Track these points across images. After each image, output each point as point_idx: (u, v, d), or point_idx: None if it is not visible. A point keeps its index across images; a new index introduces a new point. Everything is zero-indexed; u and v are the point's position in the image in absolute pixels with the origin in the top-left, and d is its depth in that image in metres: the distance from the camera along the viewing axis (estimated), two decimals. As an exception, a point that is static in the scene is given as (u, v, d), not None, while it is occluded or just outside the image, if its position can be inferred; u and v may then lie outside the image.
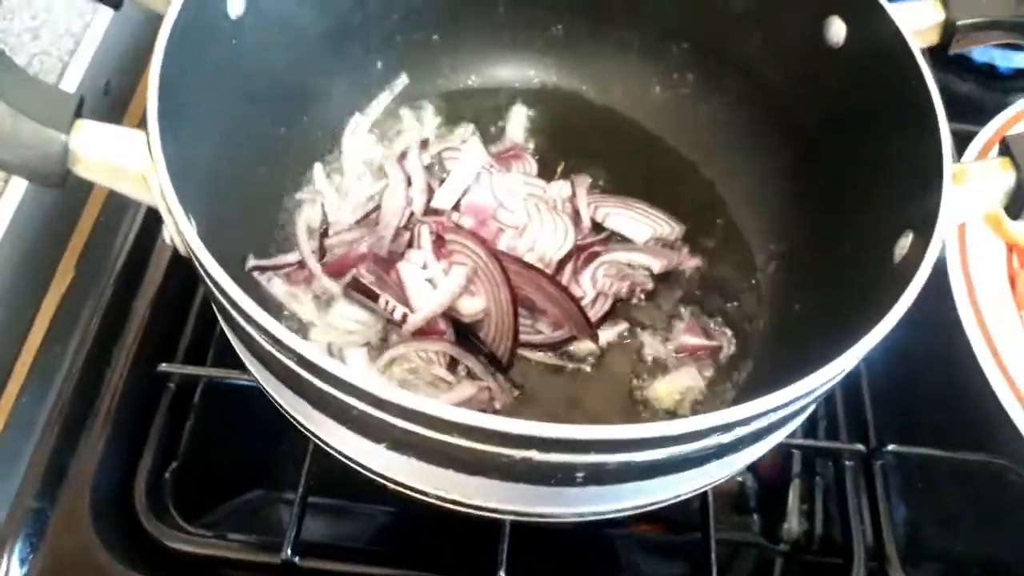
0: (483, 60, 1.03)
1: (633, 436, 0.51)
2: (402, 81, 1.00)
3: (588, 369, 0.85)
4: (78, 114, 0.61)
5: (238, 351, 0.69)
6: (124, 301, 0.87)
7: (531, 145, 1.00)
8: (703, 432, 0.52)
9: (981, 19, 0.75)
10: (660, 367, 0.85)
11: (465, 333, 0.83)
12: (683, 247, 0.94)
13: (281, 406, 0.67)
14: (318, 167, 0.94)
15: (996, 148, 0.70)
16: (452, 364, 0.82)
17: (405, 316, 0.81)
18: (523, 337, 0.84)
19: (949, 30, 0.76)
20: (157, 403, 0.83)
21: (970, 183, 0.68)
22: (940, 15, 0.76)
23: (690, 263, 0.93)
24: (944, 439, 0.87)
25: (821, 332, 0.76)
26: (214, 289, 0.59)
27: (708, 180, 0.98)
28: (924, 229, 0.67)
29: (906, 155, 0.73)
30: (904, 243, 0.69)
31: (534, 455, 0.52)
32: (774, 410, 0.56)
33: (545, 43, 1.02)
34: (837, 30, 0.82)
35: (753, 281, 0.91)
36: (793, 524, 0.90)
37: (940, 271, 0.87)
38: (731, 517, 0.89)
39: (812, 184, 0.87)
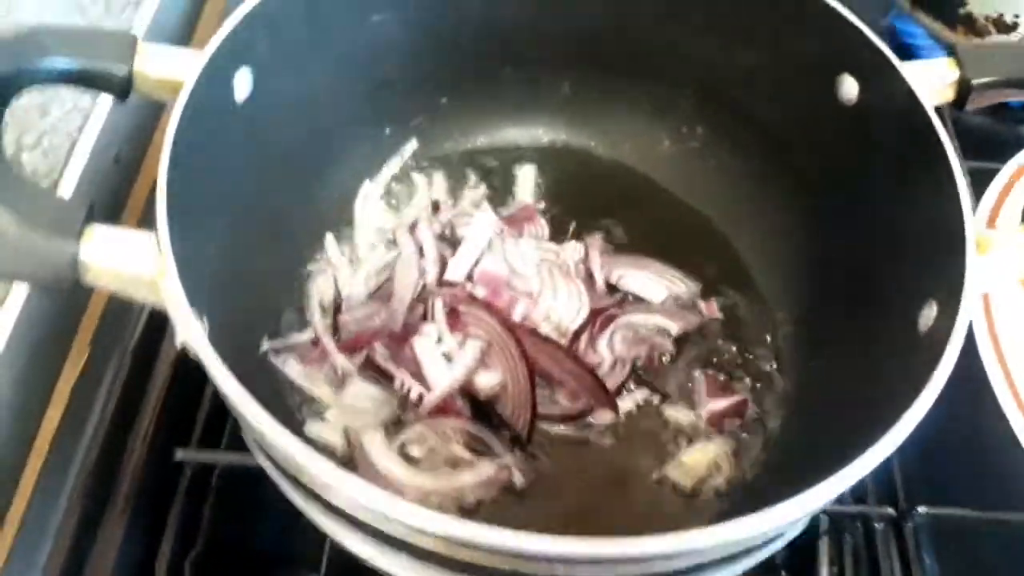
0: (491, 120, 1.02)
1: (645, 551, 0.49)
2: (411, 145, 1.00)
3: (609, 442, 0.83)
4: (87, 221, 0.60)
5: (250, 448, 0.68)
6: (139, 383, 0.86)
7: (541, 205, 0.99)
8: (732, 543, 0.51)
9: (997, 77, 0.74)
10: (684, 436, 0.84)
11: (482, 408, 0.82)
12: (701, 305, 0.92)
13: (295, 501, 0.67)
14: (330, 237, 0.93)
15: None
16: (470, 439, 0.80)
17: (421, 396, 0.80)
18: (541, 410, 0.82)
19: (964, 88, 0.75)
20: (174, 489, 0.82)
21: (994, 253, 0.66)
22: (955, 73, 0.75)
23: (708, 322, 0.91)
24: (976, 498, 0.85)
25: (847, 403, 0.75)
26: (226, 398, 0.58)
27: (723, 235, 0.97)
28: (949, 301, 0.65)
29: (924, 220, 0.72)
30: (928, 314, 0.68)
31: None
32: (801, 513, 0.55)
33: (552, 101, 1.01)
34: (849, 88, 0.80)
35: (771, 340, 0.90)
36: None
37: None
38: (757, 581, 0.87)
39: (827, 243, 0.85)
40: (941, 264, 0.68)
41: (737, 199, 0.96)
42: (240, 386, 0.56)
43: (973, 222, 0.67)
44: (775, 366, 0.88)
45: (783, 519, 0.55)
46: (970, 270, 0.65)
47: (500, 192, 1.00)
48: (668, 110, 0.99)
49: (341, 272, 0.91)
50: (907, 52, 1.23)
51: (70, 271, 0.59)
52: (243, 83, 0.76)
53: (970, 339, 0.87)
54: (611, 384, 0.85)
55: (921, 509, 0.84)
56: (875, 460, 0.57)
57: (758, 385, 0.88)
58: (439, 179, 1.00)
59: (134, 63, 0.69)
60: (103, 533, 0.79)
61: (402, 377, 0.80)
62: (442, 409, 0.80)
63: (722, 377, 0.88)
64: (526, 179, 1.00)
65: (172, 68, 0.70)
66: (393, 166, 0.98)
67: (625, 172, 1.02)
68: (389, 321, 0.84)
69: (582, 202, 0.99)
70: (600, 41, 0.95)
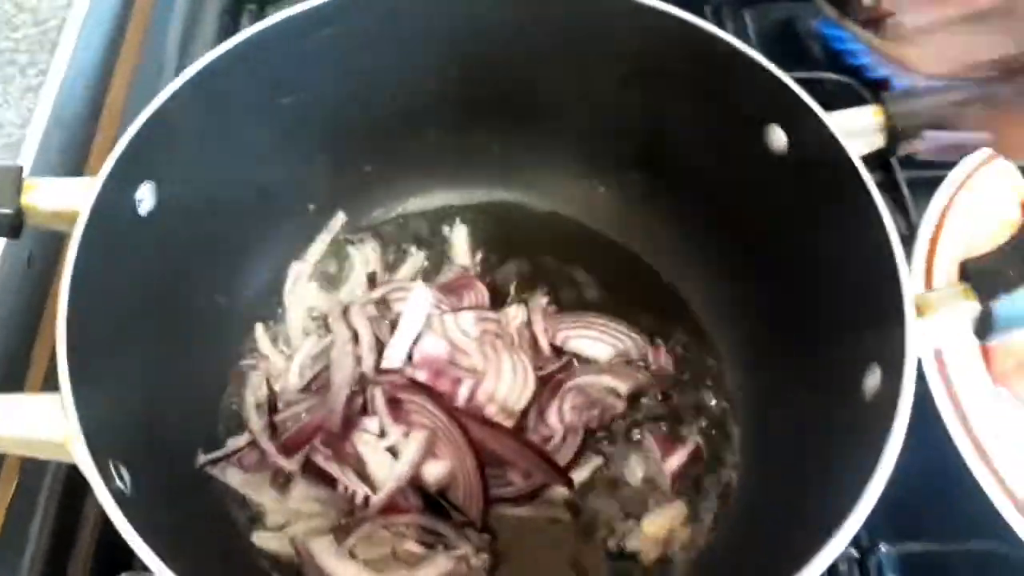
0: (420, 185, 0.99)
1: None
2: (339, 219, 0.96)
3: (567, 517, 0.81)
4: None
5: None
6: (74, 506, 0.83)
7: (478, 268, 0.96)
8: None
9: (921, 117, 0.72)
10: (642, 502, 0.82)
11: (433, 499, 0.79)
12: (650, 356, 0.90)
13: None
14: (260, 329, 0.90)
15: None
16: (424, 533, 0.78)
17: (367, 499, 0.77)
18: (494, 491, 0.80)
19: (892, 133, 0.73)
20: (123, 617, 0.79)
21: (933, 315, 0.65)
22: (880, 118, 0.73)
23: (658, 375, 0.89)
24: (937, 531, 0.85)
25: (803, 461, 0.74)
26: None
27: (667, 284, 0.95)
28: (892, 367, 0.64)
29: (861, 278, 0.71)
30: (873, 379, 0.66)
31: None
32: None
33: (481, 161, 0.98)
34: (778, 138, 0.79)
35: (723, 389, 0.88)
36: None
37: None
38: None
39: (771, 295, 0.83)
40: (881, 328, 0.66)
41: (680, 247, 0.94)
42: (155, 558, 0.53)
43: (911, 283, 0.65)
44: (729, 414, 0.87)
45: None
46: (910, 335, 0.64)
47: (435, 256, 0.97)
48: (600, 158, 0.96)
49: (274, 365, 0.87)
50: (839, 58, 1.21)
51: (-31, 446, 0.56)
52: (147, 197, 0.72)
53: (922, 376, 0.86)
54: (565, 456, 0.83)
55: (883, 547, 0.84)
56: (833, 553, 0.56)
57: (713, 432, 0.87)
58: (371, 251, 0.96)
59: (23, 200, 0.65)
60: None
61: (345, 480, 0.77)
62: (392, 507, 0.78)
63: (672, 430, 0.86)
64: (460, 240, 0.97)
65: (65, 199, 0.66)
66: (321, 244, 0.95)
67: (563, 223, 0.99)
68: (327, 420, 0.80)
69: (521, 260, 0.96)
70: (524, 97, 0.92)
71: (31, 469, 0.85)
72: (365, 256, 0.95)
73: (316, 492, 0.79)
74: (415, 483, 0.79)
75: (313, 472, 0.79)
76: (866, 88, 1.16)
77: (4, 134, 1.03)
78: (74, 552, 0.81)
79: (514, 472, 0.81)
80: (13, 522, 0.83)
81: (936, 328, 0.65)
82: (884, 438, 0.60)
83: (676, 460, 0.84)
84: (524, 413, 0.84)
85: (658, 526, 0.81)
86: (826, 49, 1.23)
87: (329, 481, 0.79)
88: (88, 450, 0.56)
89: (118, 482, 0.59)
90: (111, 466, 0.58)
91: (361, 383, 0.84)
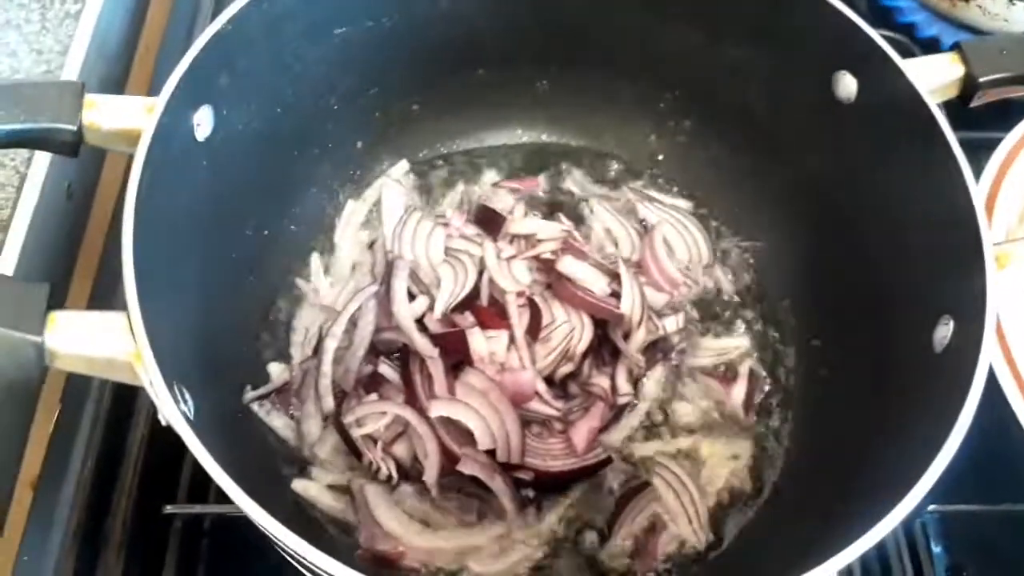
0: (468, 124, 0.97)
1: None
2: (387, 157, 0.94)
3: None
4: (51, 306, 0.56)
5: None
6: (118, 438, 0.82)
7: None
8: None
9: (1004, 74, 0.70)
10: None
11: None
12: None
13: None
14: (315, 258, 0.89)
15: None
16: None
17: (390, 476, 0.76)
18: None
19: (970, 86, 0.71)
20: (165, 546, 0.78)
21: (1013, 267, 0.64)
22: (959, 70, 0.71)
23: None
24: (983, 492, 0.84)
25: (862, 431, 0.72)
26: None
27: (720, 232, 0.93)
28: (968, 319, 0.63)
29: (934, 227, 0.69)
30: (944, 331, 0.65)
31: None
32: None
33: (531, 100, 0.96)
34: (847, 85, 0.77)
35: (780, 346, 0.87)
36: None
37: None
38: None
39: (830, 248, 0.82)
40: (956, 278, 0.65)
41: (731, 195, 0.92)
42: (232, 482, 0.52)
43: (990, 234, 0.64)
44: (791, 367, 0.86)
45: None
46: (991, 287, 0.62)
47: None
48: (651, 105, 0.94)
49: (324, 296, 0.86)
50: (888, 16, 1.19)
51: (37, 362, 0.55)
52: (204, 121, 0.70)
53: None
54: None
55: (931, 507, 0.83)
56: (905, 511, 0.55)
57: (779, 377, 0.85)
58: (411, 189, 0.94)
59: (83, 118, 0.63)
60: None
61: (369, 455, 0.76)
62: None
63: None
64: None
65: (126, 118, 0.64)
66: (371, 185, 0.93)
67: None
68: (343, 376, 0.79)
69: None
70: (576, 37, 0.90)
71: (72, 402, 0.84)
72: (411, 193, 0.94)
73: (343, 458, 0.78)
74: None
75: (341, 435, 0.77)
76: (917, 46, 1.14)
77: (43, 60, 1.00)
78: (117, 486, 0.80)
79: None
80: (55, 456, 0.82)
81: (1012, 281, 0.64)
82: (962, 390, 0.58)
83: (739, 390, 0.84)
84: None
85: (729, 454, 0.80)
86: (874, 6, 1.21)
87: (355, 450, 0.77)
88: (157, 368, 0.54)
89: (183, 405, 0.57)
90: (175, 388, 0.57)
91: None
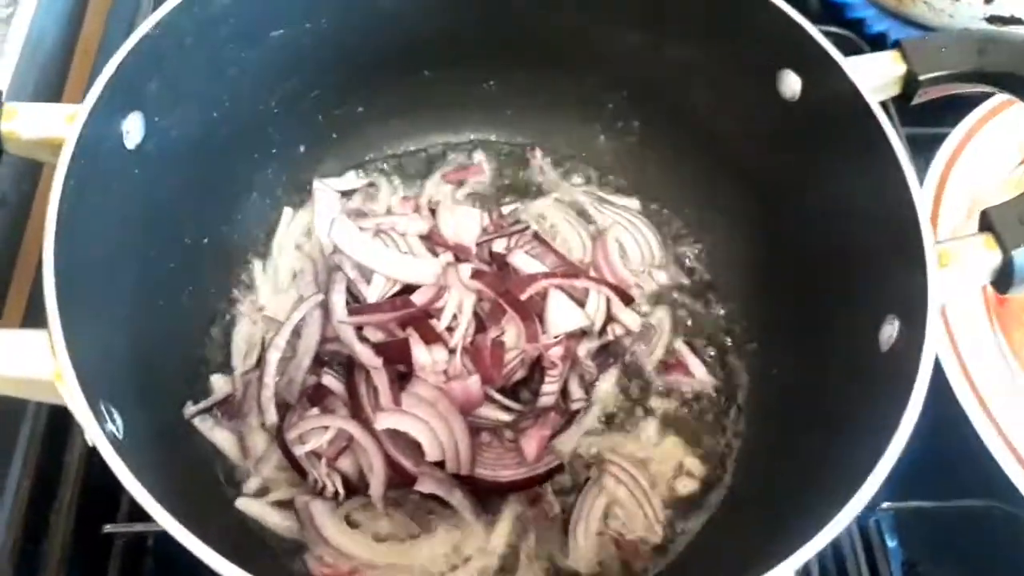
0: (414, 126, 0.95)
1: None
2: (332, 161, 0.92)
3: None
4: (-35, 325, 0.53)
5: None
6: (55, 456, 0.79)
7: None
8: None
9: (943, 72, 0.70)
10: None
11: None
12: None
13: None
14: (257, 265, 0.87)
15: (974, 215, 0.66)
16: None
17: (336, 493, 0.74)
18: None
19: (911, 84, 0.71)
20: (106, 566, 0.76)
21: (955, 264, 0.63)
22: (901, 68, 0.71)
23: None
24: (933, 489, 0.85)
25: (812, 419, 0.72)
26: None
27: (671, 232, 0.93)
28: (911, 318, 0.62)
29: (877, 226, 0.69)
30: (889, 331, 0.65)
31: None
32: None
33: (478, 101, 0.95)
34: (791, 83, 0.76)
35: (734, 343, 0.87)
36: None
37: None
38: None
39: (778, 245, 0.82)
40: (900, 278, 0.65)
41: (680, 195, 0.92)
42: (157, 505, 0.50)
43: (931, 233, 0.64)
44: (739, 368, 0.85)
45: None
46: (932, 286, 0.62)
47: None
48: (600, 104, 0.93)
49: (267, 306, 0.84)
50: (838, 12, 1.19)
51: (-49, 384, 0.52)
52: (134, 128, 0.68)
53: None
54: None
55: (884, 505, 0.83)
56: (855, 509, 0.55)
57: (722, 376, 0.85)
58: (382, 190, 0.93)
59: (1, 125, 0.60)
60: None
61: (314, 473, 0.74)
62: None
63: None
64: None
65: (47, 127, 0.62)
66: (316, 188, 0.90)
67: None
68: (287, 387, 0.77)
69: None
70: (522, 37, 0.88)
71: (7, 421, 0.81)
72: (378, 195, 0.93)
73: (289, 474, 0.76)
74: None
75: (284, 453, 0.75)
76: (865, 42, 1.15)
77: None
78: (55, 505, 0.78)
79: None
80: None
81: (954, 279, 0.64)
82: (907, 389, 0.58)
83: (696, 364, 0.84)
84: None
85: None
86: (824, 2, 1.21)
87: (298, 468, 0.75)
88: (80, 388, 0.52)
89: (109, 424, 0.55)
90: (102, 406, 0.55)
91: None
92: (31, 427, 0.79)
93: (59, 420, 0.80)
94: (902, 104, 0.73)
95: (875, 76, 0.71)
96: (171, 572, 0.79)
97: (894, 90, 0.72)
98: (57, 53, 1.03)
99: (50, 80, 1.01)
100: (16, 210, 0.94)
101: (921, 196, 0.65)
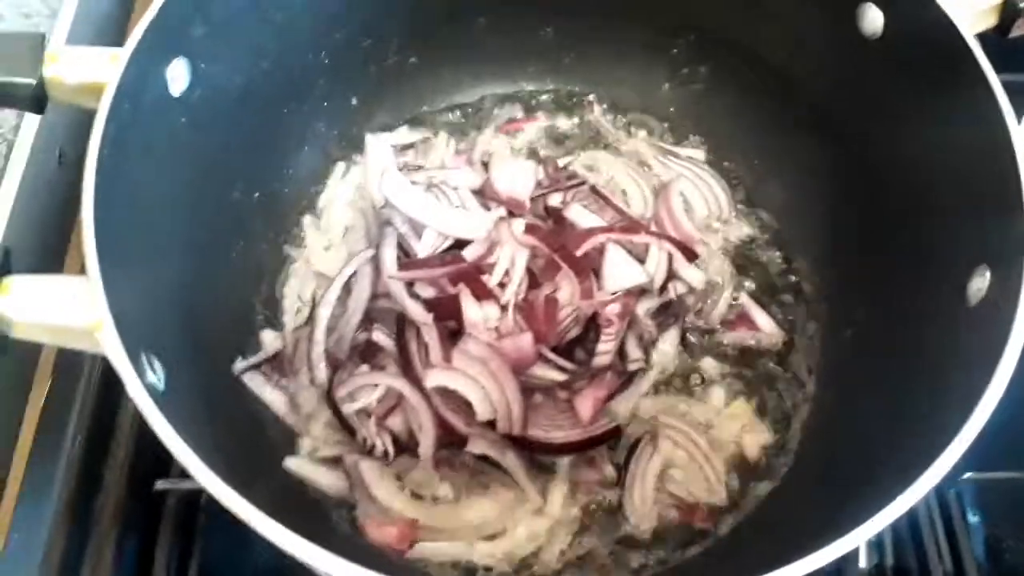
0: (468, 76, 0.92)
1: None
2: (384, 113, 0.90)
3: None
4: (5, 270, 0.52)
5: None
6: (110, 412, 0.79)
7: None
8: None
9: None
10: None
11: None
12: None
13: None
14: (307, 220, 0.85)
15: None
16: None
17: (386, 452, 0.72)
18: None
19: (1009, 11, 0.65)
20: (158, 524, 0.76)
21: (1056, 209, 0.57)
22: (998, -5, 0.65)
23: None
24: (1018, 460, 0.79)
25: (890, 393, 0.67)
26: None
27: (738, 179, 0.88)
28: (1006, 266, 0.57)
29: (969, 171, 0.63)
30: (980, 283, 0.60)
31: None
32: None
33: (534, 49, 0.91)
34: (873, 18, 0.70)
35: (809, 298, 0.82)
36: (862, 560, 0.82)
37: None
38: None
39: (857, 196, 0.76)
40: (992, 225, 0.59)
41: (750, 145, 0.87)
42: (195, 457, 0.49)
43: (1028, 169, 0.58)
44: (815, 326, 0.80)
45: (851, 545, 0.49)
46: (1031, 229, 0.56)
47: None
48: (664, 51, 0.88)
49: (316, 262, 0.82)
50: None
51: (-7, 329, 0.51)
52: (179, 74, 0.66)
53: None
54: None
55: (967, 475, 0.78)
56: (937, 475, 0.50)
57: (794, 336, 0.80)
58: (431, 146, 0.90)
59: (44, 71, 0.59)
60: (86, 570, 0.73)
61: (363, 432, 0.72)
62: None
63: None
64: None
65: (91, 71, 0.60)
66: (369, 142, 0.88)
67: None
68: (336, 345, 0.75)
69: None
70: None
71: (65, 372, 0.81)
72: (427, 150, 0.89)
73: (338, 433, 0.74)
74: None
75: (333, 411, 0.73)
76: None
77: (32, 24, 0.97)
78: (109, 460, 0.78)
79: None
80: (47, 428, 0.79)
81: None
82: (999, 345, 0.53)
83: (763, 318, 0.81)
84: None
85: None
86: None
87: (347, 427, 0.73)
88: (118, 337, 0.51)
89: (150, 375, 0.54)
90: (143, 357, 0.54)
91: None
92: (85, 383, 0.79)
93: (113, 376, 0.79)
94: (999, 37, 0.67)
95: (968, 4, 0.65)
96: (223, 528, 0.78)
97: (990, 20, 0.66)
98: (114, 7, 1.02)
99: (108, 35, 1.01)
100: (75, 166, 0.94)
101: (1019, 135, 0.59)
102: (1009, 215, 0.58)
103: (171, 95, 0.66)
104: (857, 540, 0.50)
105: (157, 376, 0.56)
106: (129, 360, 0.51)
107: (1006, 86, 0.87)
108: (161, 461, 0.78)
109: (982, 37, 0.66)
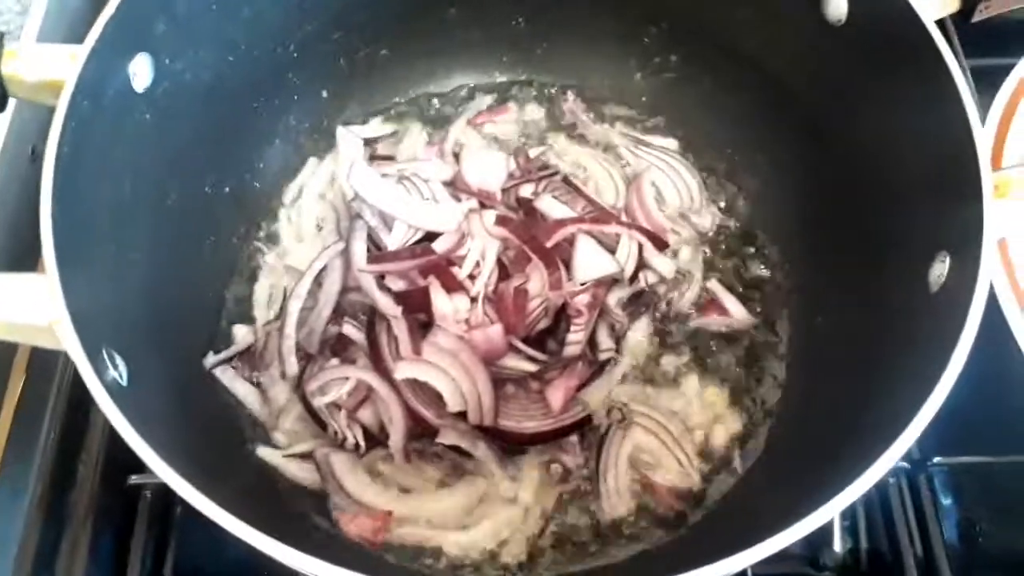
0: (440, 67, 0.92)
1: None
2: (356, 106, 0.90)
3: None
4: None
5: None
6: (83, 407, 0.79)
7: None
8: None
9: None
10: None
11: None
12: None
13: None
14: (283, 215, 0.85)
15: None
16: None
17: (357, 444, 0.72)
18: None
19: (970, -3, 0.65)
20: (134, 518, 0.76)
21: (1014, 195, 0.58)
22: (959, -25, 0.65)
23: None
24: (990, 444, 0.79)
25: (853, 362, 0.68)
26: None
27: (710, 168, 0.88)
28: (963, 253, 0.57)
29: (930, 156, 0.63)
30: (940, 269, 0.60)
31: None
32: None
33: (507, 40, 0.91)
34: (837, 5, 0.70)
35: (774, 283, 0.82)
36: (836, 544, 0.83)
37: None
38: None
39: (823, 181, 0.77)
40: (952, 209, 0.60)
41: (722, 134, 0.87)
42: (151, 452, 0.49)
43: (988, 161, 0.58)
44: (781, 306, 0.81)
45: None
46: (988, 217, 0.56)
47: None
48: (636, 39, 0.88)
49: (289, 255, 0.82)
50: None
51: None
52: (142, 70, 0.66)
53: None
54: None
55: (936, 460, 0.78)
56: (899, 451, 0.51)
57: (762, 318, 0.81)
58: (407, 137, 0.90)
59: (3, 67, 0.59)
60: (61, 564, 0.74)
61: (334, 425, 0.72)
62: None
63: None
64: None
65: (50, 68, 0.60)
66: (340, 136, 0.88)
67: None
68: (307, 338, 0.75)
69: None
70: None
71: (39, 369, 0.81)
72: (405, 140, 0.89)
73: (309, 426, 0.74)
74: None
75: (304, 405, 0.74)
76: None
77: (2, 22, 0.97)
78: (83, 455, 0.78)
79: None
80: (22, 424, 0.80)
81: (1012, 211, 0.58)
82: (955, 331, 0.53)
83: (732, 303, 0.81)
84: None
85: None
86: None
87: (318, 420, 0.73)
88: (76, 333, 0.51)
89: (112, 371, 0.54)
90: (104, 353, 0.54)
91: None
92: (59, 380, 0.79)
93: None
94: (961, 22, 0.67)
95: (928, -11, 0.65)
96: (199, 522, 0.78)
97: (953, 5, 0.66)
98: (87, 4, 1.01)
99: (81, 33, 1.00)
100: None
101: (977, 120, 0.59)
102: (968, 201, 0.58)
103: (134, 91, 0.66)
104: (823, 518, 0.51)
105: (119, 372, 0.56)
106: (87, 356, 0.51)
107: (974, 71, 0.89)
108: (135, 455, 0.78)
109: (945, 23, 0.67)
